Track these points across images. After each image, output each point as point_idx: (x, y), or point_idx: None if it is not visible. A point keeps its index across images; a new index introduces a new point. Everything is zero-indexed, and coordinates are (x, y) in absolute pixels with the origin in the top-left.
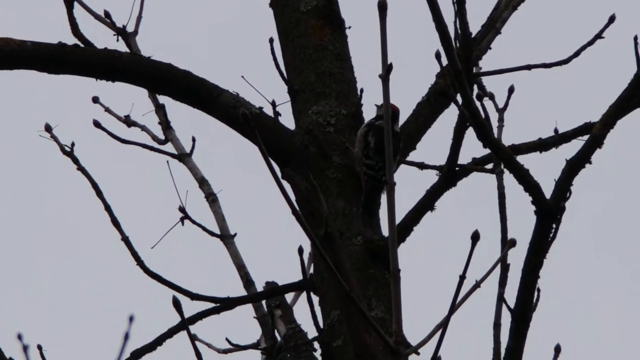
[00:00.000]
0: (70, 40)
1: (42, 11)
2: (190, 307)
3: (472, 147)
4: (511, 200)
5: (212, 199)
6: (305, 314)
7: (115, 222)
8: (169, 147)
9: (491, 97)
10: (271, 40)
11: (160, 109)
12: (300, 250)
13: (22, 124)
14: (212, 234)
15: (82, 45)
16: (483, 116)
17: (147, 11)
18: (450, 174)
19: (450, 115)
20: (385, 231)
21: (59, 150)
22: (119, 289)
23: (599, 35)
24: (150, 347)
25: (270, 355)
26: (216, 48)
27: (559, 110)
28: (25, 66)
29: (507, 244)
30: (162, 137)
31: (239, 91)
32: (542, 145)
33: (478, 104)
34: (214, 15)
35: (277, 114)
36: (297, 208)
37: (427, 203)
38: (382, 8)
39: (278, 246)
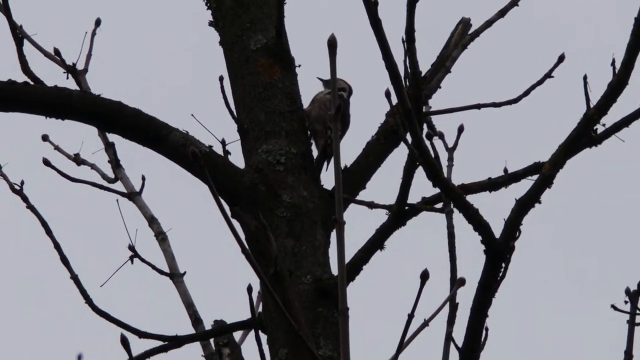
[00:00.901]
0: (20, 77)
1: None
2: (139, 346)
3: (422, 186)
4: (461, 239)
5: (161, 237)
6: (253, 352)
7: (65, 260)
8: (119, 186)
9: (441, 136)
10: (221, 78)
11: (110, 147)
12: (250, 289)
13: None
14: (161, 272)
15: (32, 83)
16: (433, 155)
17: (97, 49)
18: (400, 213)
19: (399, 154)
20: (334, 270)
21: (8, 188)
22: (68, 327)
23: (548, 75)
24: None
25: None
26: (166, 85)
27: (508, 149)
28: None
29: (457, 282)
30: (111, 175)
31: (188, 129)
32: (491, 184)
33: (428, 143)
34: (164, 53)
35: (226, 152)
36: (247, 247)
37: (376, 242)
38: (332, 46)
39: (227, 285)
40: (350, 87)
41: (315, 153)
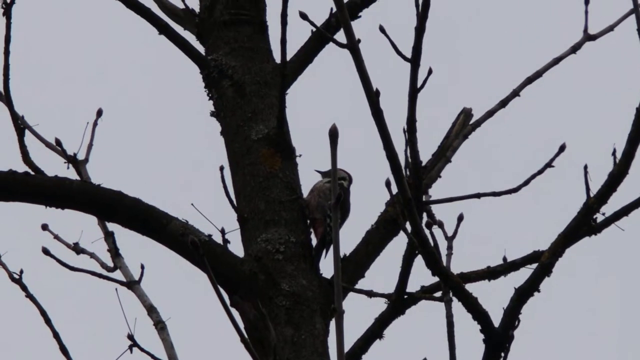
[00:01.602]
0: (21, 167)
1: None
2: None
3: (421, 275)
4: (460, 328)
5: (160, 326)
6: None
7: (64, 350)
8: (118, 275)
9: (440, 225)
10: (221, 168)
11: (109, 237)
12: None
13: None
14: None
15: (32, 173)
16: (432, 244)
17: (99, 139)
18: (399, 302)
19: (399, 243)
20: (333, 359)
21: (7, 277)
22: None
23: (548, 164)
24: None
25: None
26: (166, 174)
27: (508, 238)
28: None
29: None
30: (111, 264)
31: (188, 218)
32: (490, 273)
33: (427, 232)
34: (165, 142)
35: (226, 241)
36: (246, 336)
37: (375, 331)
38: (333, 136)
39: None
40: (350, 176)
41: (314, 241)
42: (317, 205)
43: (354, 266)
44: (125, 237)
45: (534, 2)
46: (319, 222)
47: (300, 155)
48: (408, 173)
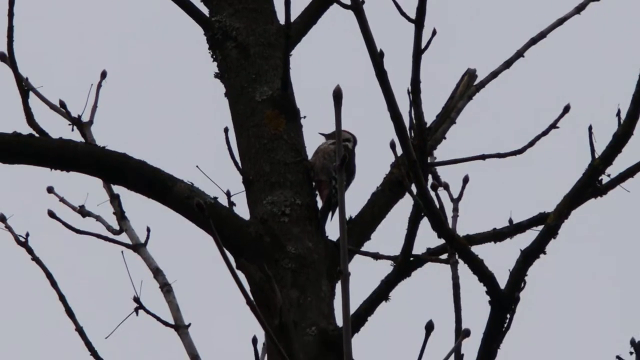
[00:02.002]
0: (25, 129)
1: None
2: None
3: (427, 237)
4: (466, 290)
5: (166, 289)
6: None
7: (70, 313)
8: (124, 237)
9: (446, 187)
10: (226, 130)
11: (115, 199)
12: (254, 341)
13: None
14: (166, 324)
15: (37, 135)
16: (438, 206)
17: (103, 101)
18: (405, 264)
19: (404, 206)
20: (339, 321)
21: (13, 240)
22: None
23: (553, 125)
24: None
25: None
26: (171, 137)
27: (513, 200)
28: None
29: (461, 334)
30: (116, 227)
31: (193, 181)
32: (496, 235)
33: (433, 194)
34: (169, 104)
35: (231, 203)
36: (252, 298)
37: (381, 293)
38: (337, 97)
39: (232, 336)
40: (354, 138)
41: (319, 204)
42: (322, 167)
43: (360, 228)
44: (131, 200)
45: None
46: (325, 184)
47: (304, 117)
48: (413, 134)
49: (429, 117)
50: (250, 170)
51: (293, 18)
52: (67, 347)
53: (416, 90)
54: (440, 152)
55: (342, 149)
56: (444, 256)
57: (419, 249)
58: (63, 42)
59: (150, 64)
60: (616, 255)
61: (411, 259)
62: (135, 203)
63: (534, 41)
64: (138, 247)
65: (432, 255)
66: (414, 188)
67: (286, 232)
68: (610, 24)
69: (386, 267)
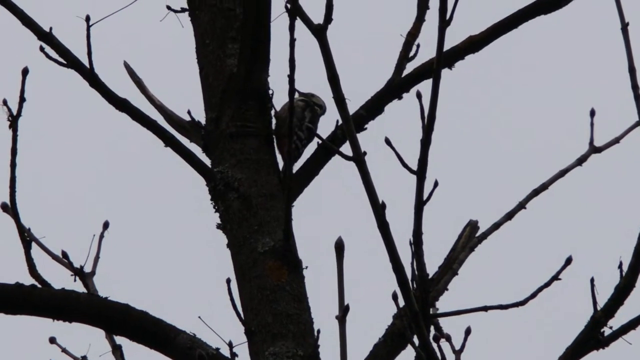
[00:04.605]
0: (28, 280)
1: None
2: None
3: None
4: None
5: None
6: None
7: None
8: None
9: (448, 338)
10: (228, 281)
11: (117, 350)
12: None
13: None
14: None
15: (39, 286)
16: (440, 358)
17: (105, 251)
18: None
19: (407, 357)
20: None
21: None
22: None
23: (555, 277)
24: None
25: None
26: (174, 287)
27: (515, 351)
28: None
29: None
30: None
31: (195, 331)
32: None
33: (435, 345)
34: (171, 254)
35: (233, 354)
36: None
37: None
38: (339, 248)
39: None
40: (325, 107)
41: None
42: (285, 120)
43: None
44: (133, 350)
45: (539, 114)
46: (284, 141)
47: (306, 268)
48: (415, 286)
49: (431, 269)
50: (253, 321)
51: (295, 169)
52: None
53: (418, 242)
54: (443, 304)
55: (343, 300)
56: None
57: None
58: (66, 191)
59: (152, 215)
60: None
61: None
62: (137, 353)
63: (535, 192)
64: None
65: None
66: (416, 339)
67: None
68: (612, 175)
69: None
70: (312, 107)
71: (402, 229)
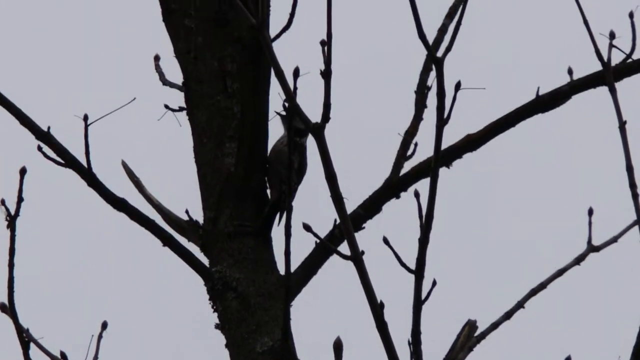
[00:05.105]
0: None
1: None
2: None
3: None
4: None
5: None
6: None
7: None
8: None
9: None
10: None
11: None
12: None
13: None
14: None
15: None
16: None
17: (104, 351)
18: None
19: None
20: None
21: None
22: None
23: None
24: None
25: None
26: None
27: None
28: None
29: None
30: None
31: None
32: None
33: None
34: (169, 355)
35: None
36: None
37: None
38: (338, 348)
39: None
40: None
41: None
42: (274, 169)
43: None
44: None
45: (536, 213)
46: (275, 188)
47: None
48: None
49: None
50: None
51: (293, 268)
52: None
53: (417, 341)
54: None
55: None
56: None
57: None
58: (64, 292)
59: (150, 315)
60: None
61: None
62: None
63: (534, 292)
64: None
65: None
66: None
67: None
68: (609, 275)
69: None
70: (296, 143)
71: (401, 328)
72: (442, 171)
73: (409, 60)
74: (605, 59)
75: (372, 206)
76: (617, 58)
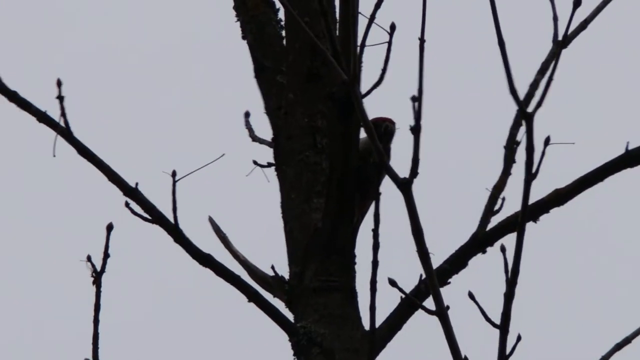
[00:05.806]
0: None
1: None
2: None
3: None
4: None
5: None
6: None
7: None
8: None
9: None
10: None
11: None
12: None
13: None
14: None
15: None
16: None
17: None
18: None
19: None
20: None
21: None
22: None
23: None
24: None
25: None
26: None
27: None
28: None
29: None
30: None
31: None
32: None
33: None
34: None
35: None
36: None
37: None
38: None
39: None
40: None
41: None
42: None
43: None
44: None
45: (623, 268)
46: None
47: None
48: None
49: None
50: None
51: (378, 323)
52: None
53: None
54: None
55: None
56: None
57: None
58: (147, 347)
59: None
60: None
61: None
62: None
63: (618, 347)
64: None
65: None
66: None
67: None
68: None
69: None
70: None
71: None
72: (529, 226)
73: (498, 115)
74: None
75: (458, 261)
76: None
